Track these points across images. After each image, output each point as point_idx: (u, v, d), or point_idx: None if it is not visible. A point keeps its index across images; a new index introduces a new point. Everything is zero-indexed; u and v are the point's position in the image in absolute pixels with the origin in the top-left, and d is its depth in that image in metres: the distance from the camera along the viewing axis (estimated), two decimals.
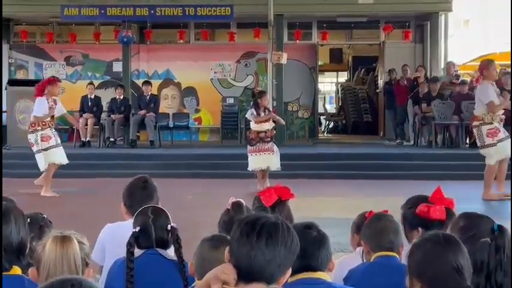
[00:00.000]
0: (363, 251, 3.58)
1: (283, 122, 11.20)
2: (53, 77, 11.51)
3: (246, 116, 11.49)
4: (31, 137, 10.37)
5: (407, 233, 3.46)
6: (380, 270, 3.21)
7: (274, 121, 11.13)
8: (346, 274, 3.25)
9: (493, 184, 9.82)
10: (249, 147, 10.97)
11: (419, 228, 3.36)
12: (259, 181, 10.58)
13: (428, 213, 3.33)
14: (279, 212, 3.59)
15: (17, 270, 2.73)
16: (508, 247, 2.56)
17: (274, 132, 11.25)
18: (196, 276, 2.81)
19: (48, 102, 10.36)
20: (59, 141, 10.60)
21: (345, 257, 3.79)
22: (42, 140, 10.30)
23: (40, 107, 10.37)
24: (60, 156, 10.51)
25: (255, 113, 10.88)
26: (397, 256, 3.26)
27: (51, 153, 10.35)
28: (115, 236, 3.66)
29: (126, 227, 3.58)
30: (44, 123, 10.35)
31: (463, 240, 2.42)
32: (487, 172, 9.74)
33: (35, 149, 10.36)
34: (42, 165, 10.34)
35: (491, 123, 9.62)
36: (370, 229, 3.34)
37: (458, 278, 2.29)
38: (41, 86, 10.56)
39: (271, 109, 11.36)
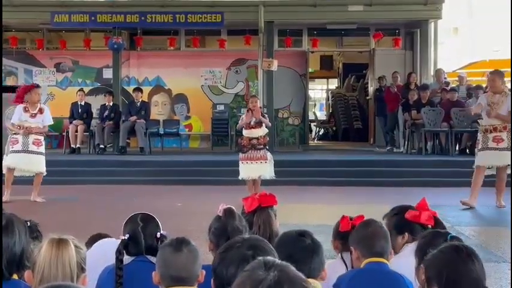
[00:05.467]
0: (341, 255, 3.57)
1: (268, 124, 10.66)
2: (33, 83, 11.54)
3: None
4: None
5: (392, 238, 3.58)
6: (370, 276, 3.20)
7: (267, 127, 10.60)
8: (336, 281, 3.25)
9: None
10: (240, 154, 10.47)
11: (406, 234, 3.60)
12: (250, 189, 10.13)
13: (419, 218, 3.55)
14: (257, 218, 3.66)
15: (14, 275, 2.75)
16: None
17: (268, 139, 10.65)
18: (162, 284, 2.79)
19: (26, 110, 10.28)
20: (31, 148, 10.31)
21: (328, 263, 3.79)
22: (10, 144, 10.29)
23: (16, 114, 10.32)
24: (12, 162, 10.25)
25: (244, 117, 10.49)
26: (387, 263, 3.26)
27: (8, 157, 10.27)
28: (98, 255, 3.55)
29: (108, 246, 3.53)
30: (18, 128, 10.29)
31: (425, 256, 2.62)
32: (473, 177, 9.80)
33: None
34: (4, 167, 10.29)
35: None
36: (360, 234, 3.32)
37: (475, 284, 2.44)
38: (20, 93, 10.47)
39: (265, 114, 10.84)
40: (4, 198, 9.85)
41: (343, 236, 3.56)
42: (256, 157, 10.33)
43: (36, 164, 10.40)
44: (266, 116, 10.74)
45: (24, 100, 10.35)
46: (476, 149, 10.00)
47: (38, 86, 10.82)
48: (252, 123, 10.36)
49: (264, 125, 10.42)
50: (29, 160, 10.35)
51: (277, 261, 1.75)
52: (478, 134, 9.95)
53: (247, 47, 17.01)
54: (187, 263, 2.77)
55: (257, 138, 10.34)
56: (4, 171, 10.21)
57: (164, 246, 2.86)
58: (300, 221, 7.47)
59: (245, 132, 10.43)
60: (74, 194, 11.27)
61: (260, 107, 10.72)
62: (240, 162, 10.46)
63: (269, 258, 1.79)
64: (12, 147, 10.27)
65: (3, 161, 10.25)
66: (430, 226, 3.54)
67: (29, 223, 3.28)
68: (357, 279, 3.21)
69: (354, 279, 3.21)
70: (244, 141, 10.42)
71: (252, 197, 3.81)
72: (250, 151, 10.35)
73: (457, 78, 16.92)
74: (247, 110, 10.68)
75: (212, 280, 2.34)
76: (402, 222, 3.62)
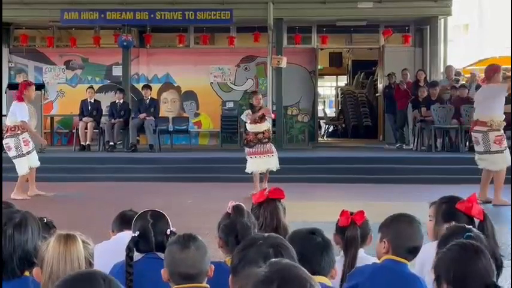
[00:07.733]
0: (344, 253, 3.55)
1: (271, 116, 10.91)
2: (26, 80, 11.67)
3: (241, 117, 11.46)
4: (10, 141, 10.28)
5: (437, 225, 3.66)
6: (388, 275, 3.18)
7: (272, 119, 10.96)
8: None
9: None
10: (247, 149, 10.70)
11: (453, 222, 3.51)
12: (257, 185, 10.32)
13: (471, 210, 3.53)
14: (264, 209, 3.68)
15: (25, 273, 2.78)
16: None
17: (271, 132, 10.92)
18: (172, 282, 2.78)
19: (28, 108, 10.38)
20: (33, 145, 10.60)
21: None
22: (24, 144, 10.28)
23: (24, 112, 10.30)
24: (35, 161, 10.50)
25: (250, 112, 10.72)
26: (407, 263, 3.23)
27: (31, 158, 10.35)
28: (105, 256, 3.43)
29: (114, 244, 3.51)
30: (23, 128, 10.32)
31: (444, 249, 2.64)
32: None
33: (13, 153, 10.28)
34: (24, 169, 10.27)
35: (499, 129, 9.49)
36: (402, 231, 3.27)
37: (483, 280, 2.46)
38: (20, 91, 10.53)
39: (269, 109, 11.01)
40: (19, 196, 9.92)
41: (342, 231, 3.53)
42: (263, 151, 10.61)
43: (36, 159, 10.57)
44: (269, 110, 10.96)
45: (23, 97, 10.43)
46: (501, 147, 9.51)
47: (33, 83, 11.03)
48: (257, 118, 10.61)
49: (266, 119, 10.68)
50: (35, 157, 10.53)
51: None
52: (501, 129, 9.55)
53: (257, 44, 17.00)
54: (195, 260, 2.76)
55: (262, 132, 10.60)
56: (25, 172, 10.28)
57: (171, 244, 2.84)
58: (309, 218, 7.47)
59: (251, 127, 10.69)
60: (84, 191, 11.31)
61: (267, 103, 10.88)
62: (248, 157, 10.68)
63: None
64: (28, 147, 10.31)
65: (24, 164, 10.29)
66: (478, 220, 3.50)
67: (45, 220, 3.30)
68: (372, 274, 3.17)
69: (373, 274, 3.18)
70: (250, 136, 10.70)
71: (261, 192, 3.88)
72: (257, 145, 10.60)
73: (469, 75, 16.83)
74: (253, 107, 10.84)
75: (230, 278, 2.29)
76: (451, 210, 3.63)
